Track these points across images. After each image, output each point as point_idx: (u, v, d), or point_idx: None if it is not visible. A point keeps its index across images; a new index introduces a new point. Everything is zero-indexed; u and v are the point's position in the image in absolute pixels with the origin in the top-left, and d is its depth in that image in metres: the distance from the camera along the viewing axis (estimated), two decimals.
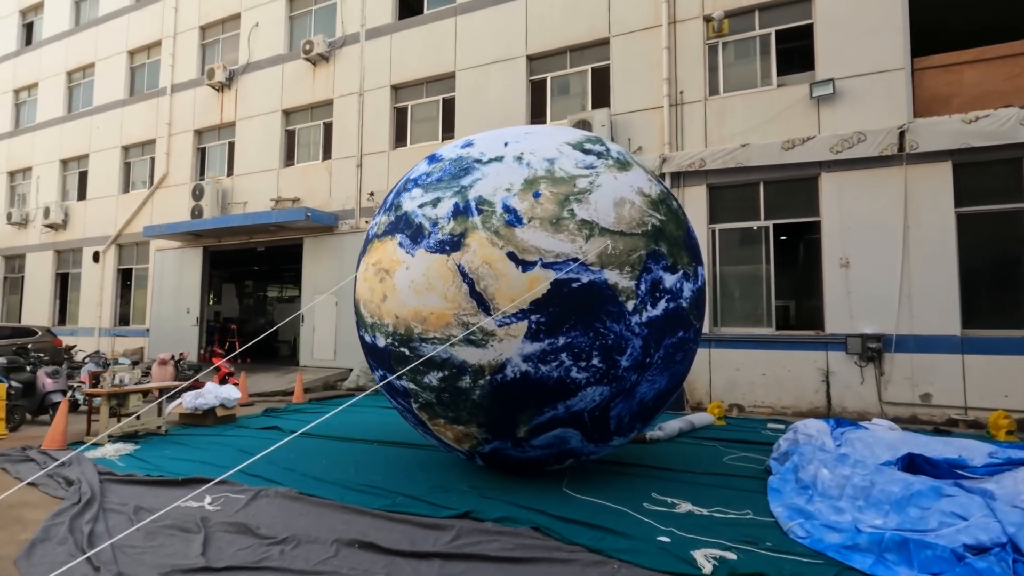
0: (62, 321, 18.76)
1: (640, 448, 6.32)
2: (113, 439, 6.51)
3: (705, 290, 5.14)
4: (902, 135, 8.38)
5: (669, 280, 4.49)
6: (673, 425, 7.06)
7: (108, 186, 17.88)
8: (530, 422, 4.39)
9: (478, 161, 4.66)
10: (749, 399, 9.20)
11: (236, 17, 15.84)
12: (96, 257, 17.69)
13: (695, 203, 9.83)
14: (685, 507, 4.28)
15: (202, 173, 16.33)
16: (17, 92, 21.20)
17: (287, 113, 14.77)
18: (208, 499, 4.38)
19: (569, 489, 4.71)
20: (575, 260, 4.15)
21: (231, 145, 15.67)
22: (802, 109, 9.19)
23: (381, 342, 4.71)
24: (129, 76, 18.10)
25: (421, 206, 4.61)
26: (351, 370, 12.33)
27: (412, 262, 4.45)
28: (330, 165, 13.80)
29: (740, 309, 9.70)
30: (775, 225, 9.45)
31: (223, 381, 10.63)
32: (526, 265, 4.13)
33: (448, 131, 12.48)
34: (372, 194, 12.99)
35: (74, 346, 14.77)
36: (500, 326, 4.13)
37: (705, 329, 9.24)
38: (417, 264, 4.41)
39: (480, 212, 4.32)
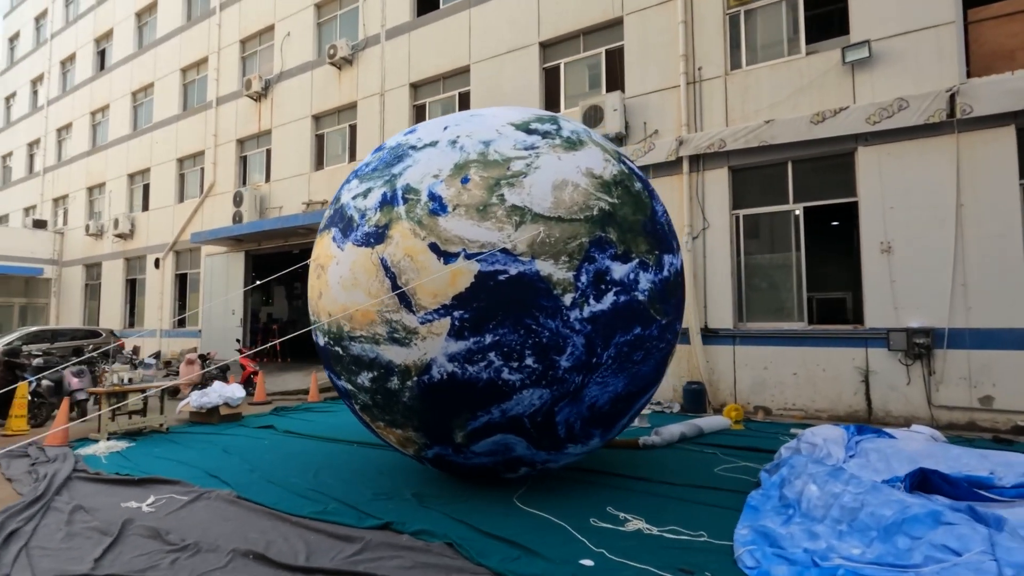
0: (131, 323, 20.25)
1: (624, 455, 5.81)
2: (115, 436, 6.77)
3: (679, 281, 4.57)
4: (952, 98, 7.27)
5: (619, 270, 4.00)
6: (673, 430, 6.47)
7: (166, 197, 19.09)
8: (465, 427, 4.05)
9: (413, 147, 4.37)
10: (779, 401, 8.35)
11: (271, 29, 16.40)
12: (157, 263, 18.94)
13: (716, 188, 9.06)
14: (636, 524, 3.79)
15: (244, 180, 17.05)
16: (93, 114, 23.10)
17: (316, 118, 15.11)
18: (152, 499, 4.37)
19: (520, 500, 4.33)
20: (502, 250, 3.77)
21: (268, 152, 16.25)
22: (835, 78, 8.21)
23: (320, 340, 4.54)
24: (182, 92, 19.23)
25: (355, 197, 4.38)
26: None
27: (342, 256, 4.23)
28: (356, 167, 13.95)
29: (768, 302, 8.83)
30: (806, 208, 8.52)
31: (248, 380, 10.96)
32: (448, 257, 3.79)
33: None
34: None
35: (138, 347, 15.86)
36: (423, 323, 3.82)
37: (728, 324, 8.51)
38: (345, 258, 4.19)
39: (406, 201, 4.03)
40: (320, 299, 4.41)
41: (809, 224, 8.58)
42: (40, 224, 24.22)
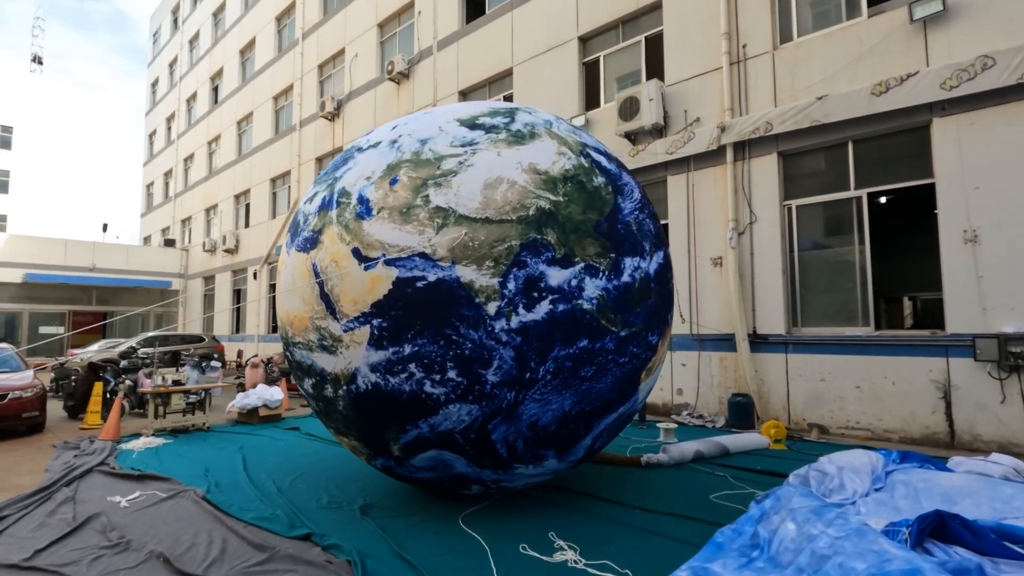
0: (237, 330, 22.45)
1: (619, 474, 5.31)
2: (162, 433, 7.43)
3: (644, 288, 4.04)
4: None
5: (557, 276, 3.62)
6: (687, 448, 5.82)
7: (262, 214, 20.96)
8: (398, 440, 3.89)
9: (359, 149, 4.31)
10: (839, 418, 7.25)
11: (342, 52, 17.43)
12: (255, 275, 20.84)
13: (764, 177, 8.12)
14: (566, 556, 3.40)
15: None
16: (209, 144, 26.02)
17: None
18: (137, 494, 4.69)
19: (467, 518, 4.08)
20: (420, 254, 3.57)
21: None
22: (900, 40, 7.01)
23: (282, 345, 4.62)
24: (274, 118, 21.04)
25: (305, 202, 4.41)
26: None
27: (288, 262, 4.27)
28: None
29: (826, 304, 7.73)
30: (870, 195, 7.35)
31: None
32: (368, 262, 3.66)
33: None
34: None
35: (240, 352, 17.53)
36: (346, 331, 3.73)
37: (780, 329, 7.58)
38: (290, 264, 4.22)
39: (338, 205, 3.97)
40: (279, 305, 4.49)
41: (875, 213, 7.40)
42: (170, 243, 27.79)
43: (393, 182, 3.83)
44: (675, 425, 6.85)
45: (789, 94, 7.94)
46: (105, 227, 28.75)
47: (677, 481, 5.09)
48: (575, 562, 3.31)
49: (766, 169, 8.11)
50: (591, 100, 10.70)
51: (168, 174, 30.66)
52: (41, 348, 22.45)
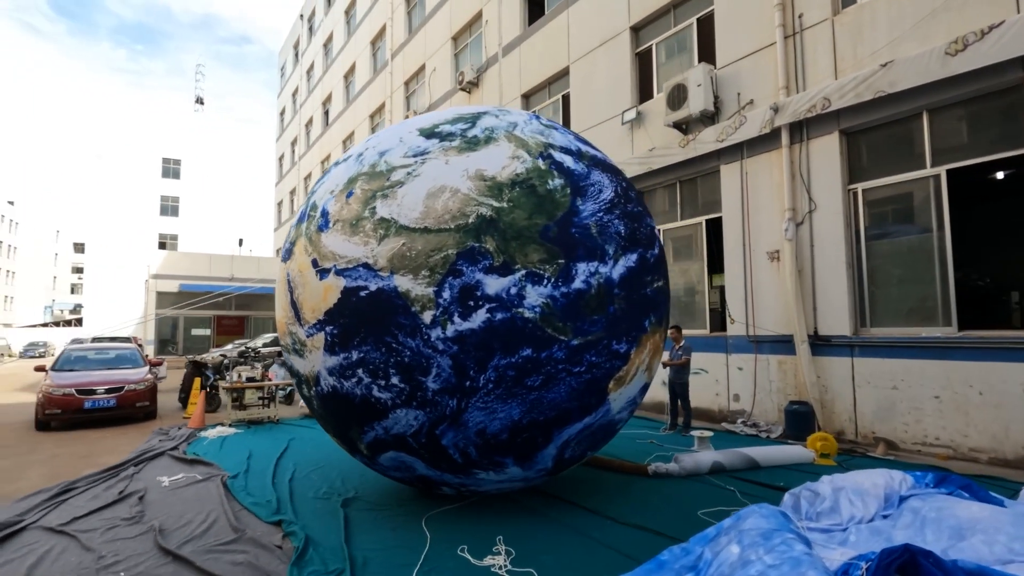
0: None
1: (619, 481, 5.10)
2: (238, 424, 8.44)
3: (604, 294, 3.84)
4: None
5: (494, 285, 3.61)
6: (702, 459, 5.42)
7: None
8: (362, 440, 4.11)
9: (336, 163, 4.61)
10: (914, 432, 6.28)
11: (423, 68, 18.35)
12: None
13: (824, 159, 7.26)
14: (495, 560, 3.40)
15: None
16: (322, 163, 28.70)
17: None
18: (179, 476, 5.43)
19: (433, 518, 4.21)
20: (363, 265, 3.75)
21: None
22: None
23: None
24: (370, 135, 22.71)
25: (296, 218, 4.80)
26: None
27: (279, 272, 4.68)
28: None
29: (899, 301, 6.71)
30: (950, 172, 6.27)
31: None
32: (323, 272, 3.92)
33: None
34: None
35: None
36: (308, 336, 4.03)
37: (844, 330, 6.82)
38: (279, 274, 4.62)
39: (308, 218, 4.29)
40: None
41: (956, 194, 6.31)
42: None
43: (349, 195, 4.06)
44: (710, 433, 6.39)
45: (851, 64, 7.02)
46: (240, 242, 32.85)
47: (676, 493, 4.78)
48: (499, 567, 3.30)
49: (827, 151, 7.24)
50: (644, 92, 10.26)
51: (292, 192, 34.30)
52: (194, 347, 26.36)
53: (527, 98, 13.36)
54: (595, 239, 3.92)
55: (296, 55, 34.85)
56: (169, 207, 47.02)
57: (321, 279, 3.92)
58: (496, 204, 3.77)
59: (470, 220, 3.70)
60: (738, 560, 2.92)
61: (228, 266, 28.23)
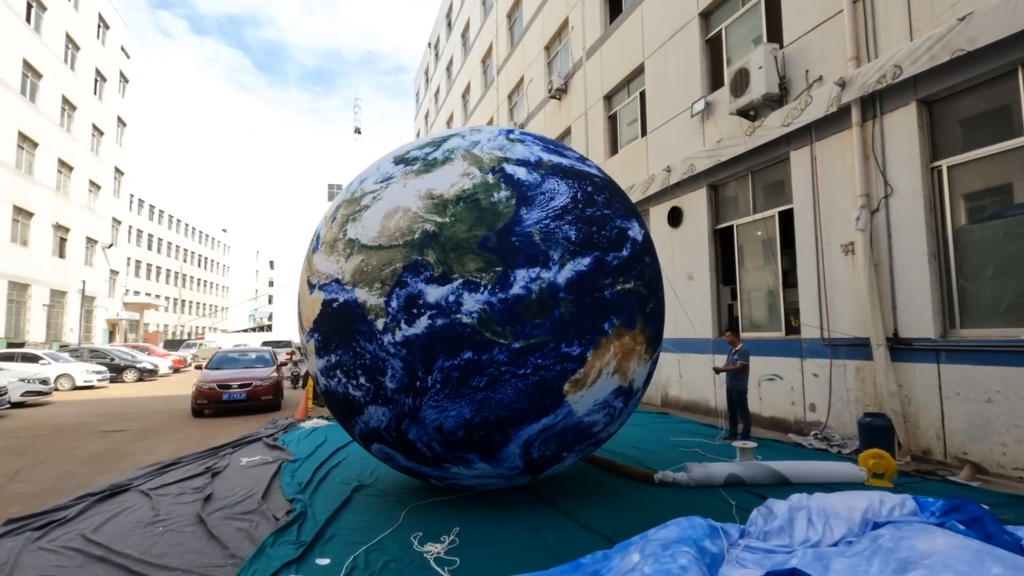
0: None
1: (623, 487, 5.07)
2: (329, 417, 9.68)
3: (547, 299, 3.93)
4: None
5: (434, 293, 3.94)
6: (716, 470, 5.11)
7: None
8: (354, 431, 4.68)
9: (336, 194, 5.27)
10: (1014, 455, 5.19)
11: (521, 80, 18.98)
12: None
13: (900, 135, 6.29)
14: (434, 548, 3.70)
15: None
16: None
17: None
18: (256, 459, 6.53)
19: (414, 507, 4.63)
20: (335, 280, 4.31)
21: None
22: None
23: None
24: None
25: None
26: None
27: None
28: None
29: (995, 296, 5.56)
30: None
31: None
32: (312, 287, 4.57)
33: (644, 128, 11.69)
34: None
35: None
36: (306, 342, 4.71)
37: (928, 332, 5.98)
38: None
39: (310, 242, 4.99)
40: None
41: None
42: None
43: (333, 220, 4.67)
44: (753, 444, 5.94)
45: (928, 23, 6.01)
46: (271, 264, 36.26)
47: (675, 504, 4.60)
48: (432, 553, 3.60)
49: (903, 125, 6.26)
50: (716, 81, 9.66)
51: None
52: None
53: (608, 99, 13.23)
54: (537, 246, 4.03)
55: (426, 80, 37.84)
56: None
57: (311, 293, 4.57)
58: (439, 220, 4.09)
59: (416, 236, 4.07)
60: (631, 568, 2.91)
61: None
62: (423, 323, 3.93)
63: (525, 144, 4.67)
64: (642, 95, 11.82)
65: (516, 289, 3.94)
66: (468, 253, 3.97)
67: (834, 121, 7.02)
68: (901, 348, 6.21)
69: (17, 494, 5.51)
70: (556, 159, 4.63)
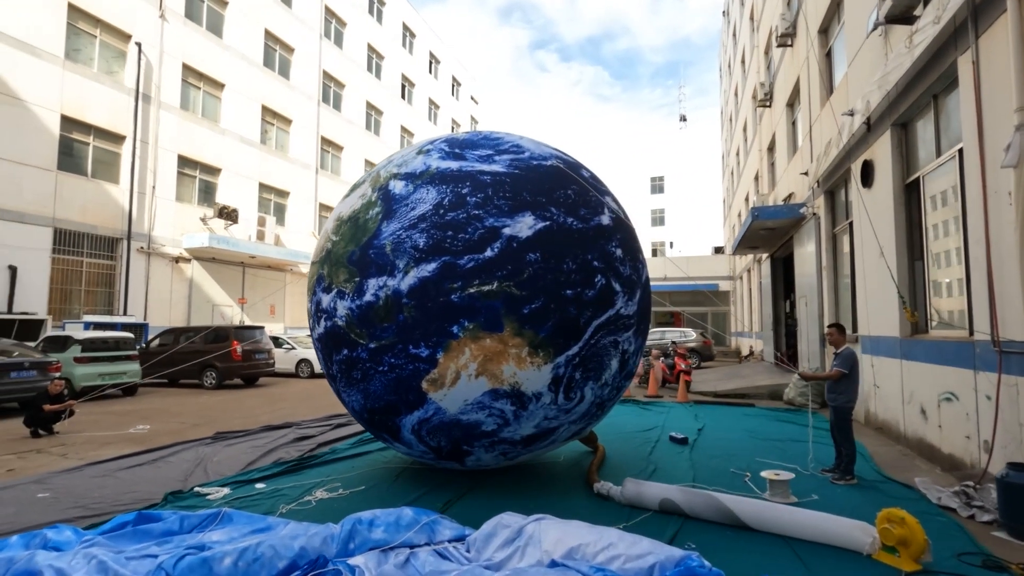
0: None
1: (566, 481, 4.81)
2: None
3: (392, 305, 4.28)
4: None
5: (325, 300, 4.84)
6: (649, 491, 4.27)
7: None
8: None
9: None
10: None
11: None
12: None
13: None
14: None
15: None
16: (755, 179, 28.18)
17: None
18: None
19: (418, 477, 5.54)
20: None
21: None
22: None
23: None
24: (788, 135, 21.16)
25: None
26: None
27: None
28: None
29: None
30: None
31: (677, 377, 12.59)
32: None
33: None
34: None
35: None
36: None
37: (983, 332, 3.78)
38: None
39: None
40: None
41: None
42: (718, 250, 31.44)
43: None
44: (789, 475, 4.59)
45: None
46: (671, 244, 35.56)
47: (589, 514, 4.13)
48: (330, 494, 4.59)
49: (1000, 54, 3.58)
50: None
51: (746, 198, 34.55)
52: None
53: (824, 32, 10.43)
54: (386, 257, 4.43)
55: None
56: (657, 218, 53.69)
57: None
58: (335, 239, 4.92)
59: (323, 253, 5.02)
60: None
61: (662, 265, 31.41)
62: (324, 324, 4.87)
63: (428, 154, 4.93)
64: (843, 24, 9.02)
65: (368, 296, 4.47)
66: (341, 267, 4.71)
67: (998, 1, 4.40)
68: None
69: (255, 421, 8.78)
70: (446, 164, 4.75)
